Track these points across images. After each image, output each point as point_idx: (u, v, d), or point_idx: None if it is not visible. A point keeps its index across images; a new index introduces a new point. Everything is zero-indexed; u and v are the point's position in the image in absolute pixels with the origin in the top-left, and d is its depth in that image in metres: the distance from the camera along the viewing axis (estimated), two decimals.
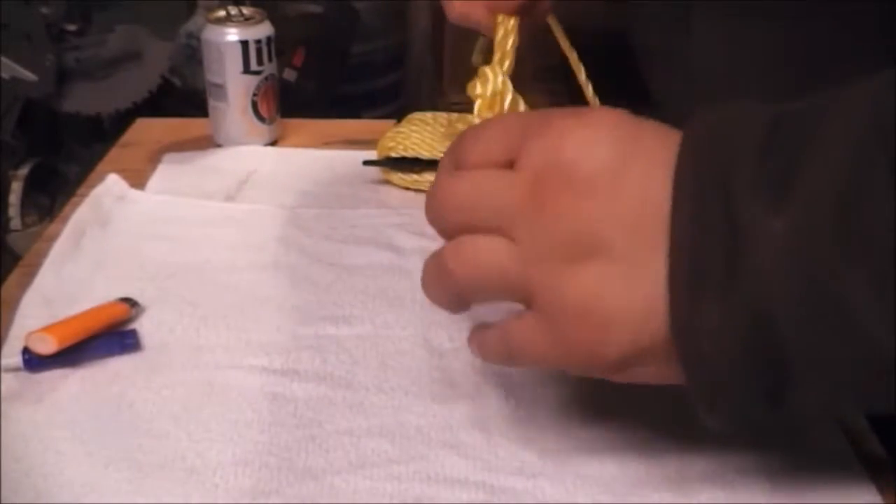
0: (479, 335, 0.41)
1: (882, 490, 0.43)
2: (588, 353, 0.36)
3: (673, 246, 0.33)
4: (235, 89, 0.74)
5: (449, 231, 0.39)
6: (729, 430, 0.36)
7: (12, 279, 0.58)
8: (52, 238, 0.61)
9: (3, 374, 0.48)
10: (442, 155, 0.68)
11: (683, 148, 0.34)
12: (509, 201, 0.36)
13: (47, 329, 0.50)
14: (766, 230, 0.31)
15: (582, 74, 0.56)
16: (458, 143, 0.40)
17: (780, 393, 0.34)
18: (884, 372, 0.32)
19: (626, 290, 0.34)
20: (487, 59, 0.53)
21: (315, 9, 1.73)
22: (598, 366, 0.36)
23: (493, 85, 0.48)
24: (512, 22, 0.54)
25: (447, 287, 0.39)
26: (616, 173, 0.35)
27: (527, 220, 0.36)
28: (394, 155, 0.70)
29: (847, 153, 0.31)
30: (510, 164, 0.37)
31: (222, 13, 0.74)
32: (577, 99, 0.54)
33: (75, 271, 0.58)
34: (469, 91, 0.49)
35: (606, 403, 0.48)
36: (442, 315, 0.55)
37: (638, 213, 0.34)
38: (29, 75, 1.49)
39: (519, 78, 0.49)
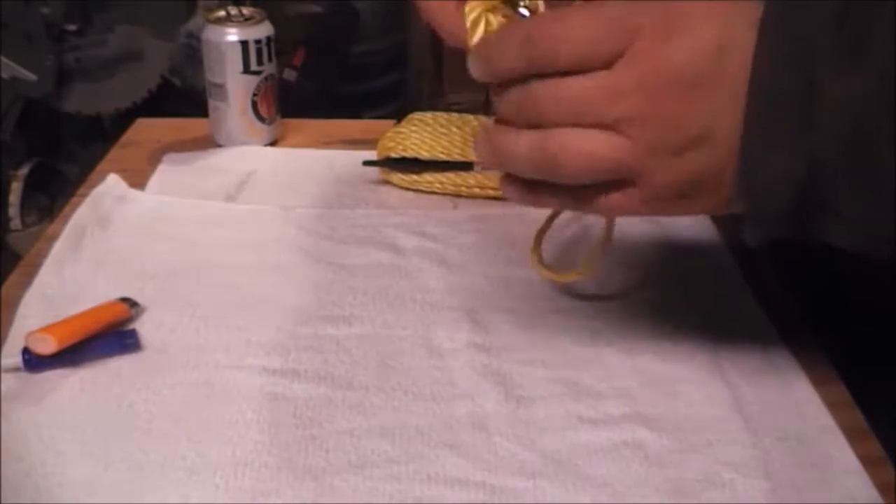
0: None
1: (882, 490, 0.43)
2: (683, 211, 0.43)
3: (751, 98, 0.37)
4: (235, 89, 0.74)
5: (542, 113, 0.40)
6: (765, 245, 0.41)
7: (12, 279, 0.58)
8: (52, 238, 0.61)
9: (3, 374, 0.48)
10: (442, 155, 0.69)
11: (766, 13, 0.37)
12: (617, 108, 0.38)
13: (47, 329, 0.50)
14: (835, 91, 0.36)
15: None
16: (540, 41, 0.39)
17: (819, 228, 0.39)
18: None
19: (721, 111, 0.38)
20: None
21: (315, 9, 1.74)
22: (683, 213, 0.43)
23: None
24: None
25: (547, 174, 0.41)
26: (715, 62, 0.37)
27: (639, 121, 0.38)
28: (394, 155, 0.70)
29: None
30: (601, 61, 0.38)
31: (222, 13, 0.74)
32: None
33: (75, 271, 0.58)
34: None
35: (606, 403, 0.48)
36: (442, 315, 0.55)
37: (738, 95, 0.37)
38: (29, 75, 1.49)
39: None
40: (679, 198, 0.40)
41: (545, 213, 0.63)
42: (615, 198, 0.41)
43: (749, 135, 0.37)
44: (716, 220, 0.66)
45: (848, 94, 0.36)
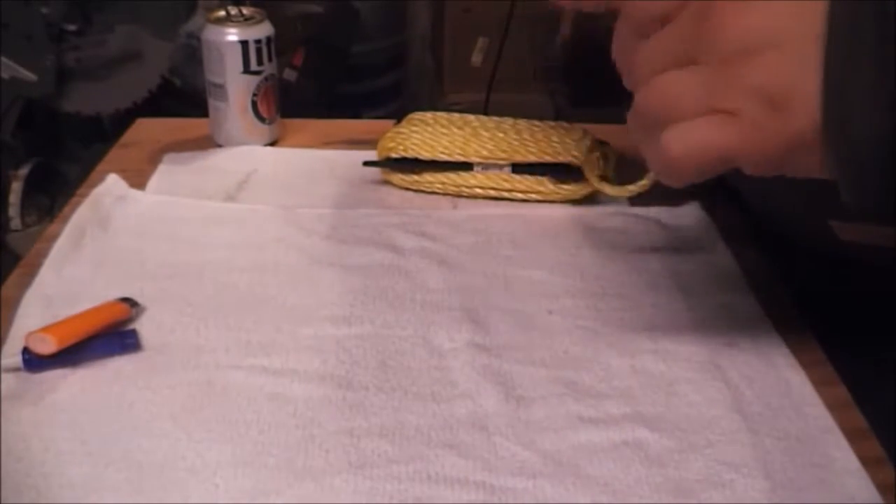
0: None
1: (882, 490, 0.43)
2: (773, 135, 0.38)
3: (830, 21, 0.35)
4: (235, 89, 0.74)
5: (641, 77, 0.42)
6: (869, 209, 0.37)
7: (12, 279, 0.58)
8: (52, 238, 0.61)
9: (3, 374, 0.48)
10: (442, 155, 0.69)
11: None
12: (681, 40, 0.39)
13: (47, 329, 0.50)
14: None
15: None
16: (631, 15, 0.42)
17: None
18: None
19: (800, 72, 0.36)
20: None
21: (315, 9, 1.74)
22: (772, 147, 0.38)
23: None
24: None
25: (650, 126, 0.41)
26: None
27: (699, 43, 0.38)
28: (394, 155, 0.70)
29: None
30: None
31: (222, 13, 0.74)
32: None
33: (75, 271, 0.58)
34: None
35: (606, 403, 0.48)
36: (442, 315, 0.55)
37: (795, 6, 0.36)
38: (29, 75, 1.49)
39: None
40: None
41: (544, 213, 0.63)
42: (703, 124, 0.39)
43: (830, 50, 0.36)
44: (716, 220, 0.66)
45: None
